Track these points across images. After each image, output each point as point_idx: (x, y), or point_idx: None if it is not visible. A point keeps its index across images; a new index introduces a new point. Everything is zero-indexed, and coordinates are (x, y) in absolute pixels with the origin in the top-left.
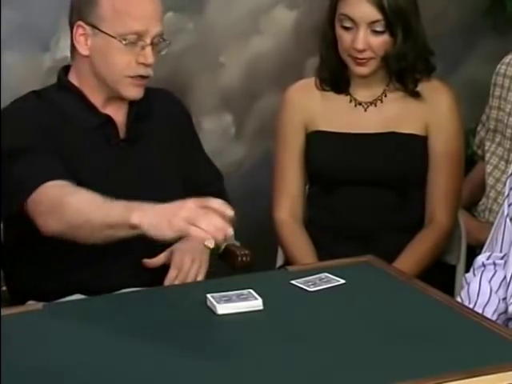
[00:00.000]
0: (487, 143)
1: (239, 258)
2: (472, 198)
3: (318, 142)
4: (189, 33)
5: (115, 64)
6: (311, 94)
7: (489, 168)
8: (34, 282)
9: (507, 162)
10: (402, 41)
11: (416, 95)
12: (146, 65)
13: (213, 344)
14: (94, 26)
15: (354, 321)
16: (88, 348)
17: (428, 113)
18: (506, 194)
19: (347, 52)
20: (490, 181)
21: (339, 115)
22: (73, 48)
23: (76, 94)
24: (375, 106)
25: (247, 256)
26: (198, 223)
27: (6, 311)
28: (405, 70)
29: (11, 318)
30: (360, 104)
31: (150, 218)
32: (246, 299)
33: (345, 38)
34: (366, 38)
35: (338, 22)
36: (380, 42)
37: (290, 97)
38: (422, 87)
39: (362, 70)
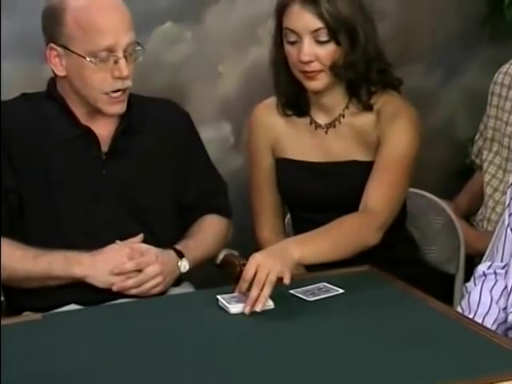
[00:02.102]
0: (485, 152)
1: (238, 268)
2: (470, 208)
3: (283, 170)
4: (187, 42)
5: (91, 83)
6: (276, 115)
7: (487, 177)
8: (31, 294)
9: (505, 171)
10: (350, 49)
11: (370, 109)
12: (122, 78)
13: (213, 355)
14: (64, 47)
15: (354, 330)
16: (91, 357)
17: (382, 130)
18: (506, 203)
19: (297, 67)
20: (488, 190)
21: (302, 140)
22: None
23: (61, 105)
24: (334, 127)
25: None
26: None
27: (5, 321)
28: (357, 80)
29: (10, 327)
30: (320, 127)
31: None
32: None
33: (292, 52)
34: (311, 49)
35: (285, 39)
36: (326, 51)
37: (257, 117)
38: (380, 104)
39: (314, 85)
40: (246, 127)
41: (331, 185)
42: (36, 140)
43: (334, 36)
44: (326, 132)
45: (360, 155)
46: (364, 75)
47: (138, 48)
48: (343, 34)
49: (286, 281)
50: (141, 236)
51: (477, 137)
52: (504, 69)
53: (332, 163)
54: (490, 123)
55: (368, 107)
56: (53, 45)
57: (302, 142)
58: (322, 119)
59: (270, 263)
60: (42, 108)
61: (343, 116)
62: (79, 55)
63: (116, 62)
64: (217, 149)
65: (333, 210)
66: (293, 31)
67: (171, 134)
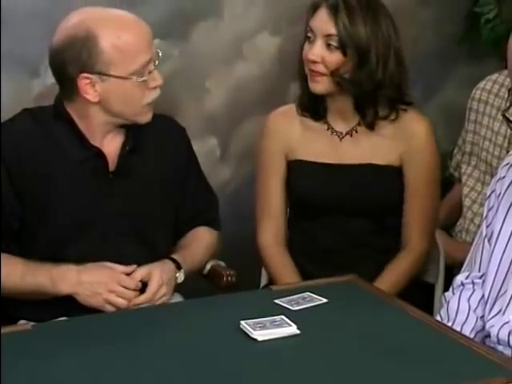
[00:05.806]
0: (463, 166)
1: (224, 278)
2: (449, 219)
3: (297, 171)
4: (175, 59)
5: (133, 99)
6: (291, 121)
7: (465, 190)
8: (23, 307)
9: (483, 183)
10: (357, 66)
11: (372, 129)
12: (159, 86)
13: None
14: (101, 74)
15: (336, 339)
16: (79, 367)
17: (402, 144)
18: (484, 215)
19: (306, 65)
20: (466, 202)
21: (317, 144)
22: (71, 94)
23: (70, 125)
24: (351, 136)
25: (232, 276)
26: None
27: None
28: (363, 100)
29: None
30: (336, 133)
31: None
32: (279, 326)
33: (305, 48)
34: (320, 51)
35: (306, 36)
36: (333, 58)
37: (272, 124)
38: (404, 120)
39: (315, 86)
40: (232, 141)
41: (344, 186)
42: (43, 162)
43: (342, 46)
44: (341, 140)
45: (375, 159)
46: (371, 97)
47: (160, 54)
48: (352, 48)
49: None
50: (133, 267)
51: (455, 151)
52: (481, 85)
53: (346, 165)
54: (468, 138)
55: (371, 127)
56: (85, 74)
57: (316, 145)
58: (339, 127)
59: None
60: (51, 129)
61: (360, 124)
62: (121, 77)
63: (150, 72)
64: (203, 162)
65: (342, 212)
66: (311, 30)
67: (171, 150)
